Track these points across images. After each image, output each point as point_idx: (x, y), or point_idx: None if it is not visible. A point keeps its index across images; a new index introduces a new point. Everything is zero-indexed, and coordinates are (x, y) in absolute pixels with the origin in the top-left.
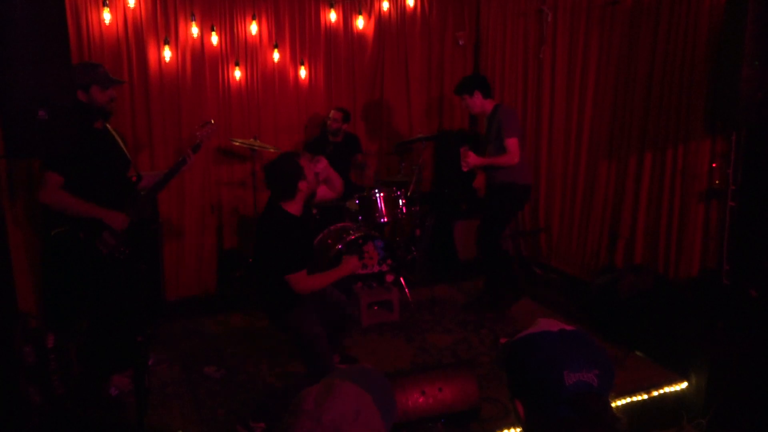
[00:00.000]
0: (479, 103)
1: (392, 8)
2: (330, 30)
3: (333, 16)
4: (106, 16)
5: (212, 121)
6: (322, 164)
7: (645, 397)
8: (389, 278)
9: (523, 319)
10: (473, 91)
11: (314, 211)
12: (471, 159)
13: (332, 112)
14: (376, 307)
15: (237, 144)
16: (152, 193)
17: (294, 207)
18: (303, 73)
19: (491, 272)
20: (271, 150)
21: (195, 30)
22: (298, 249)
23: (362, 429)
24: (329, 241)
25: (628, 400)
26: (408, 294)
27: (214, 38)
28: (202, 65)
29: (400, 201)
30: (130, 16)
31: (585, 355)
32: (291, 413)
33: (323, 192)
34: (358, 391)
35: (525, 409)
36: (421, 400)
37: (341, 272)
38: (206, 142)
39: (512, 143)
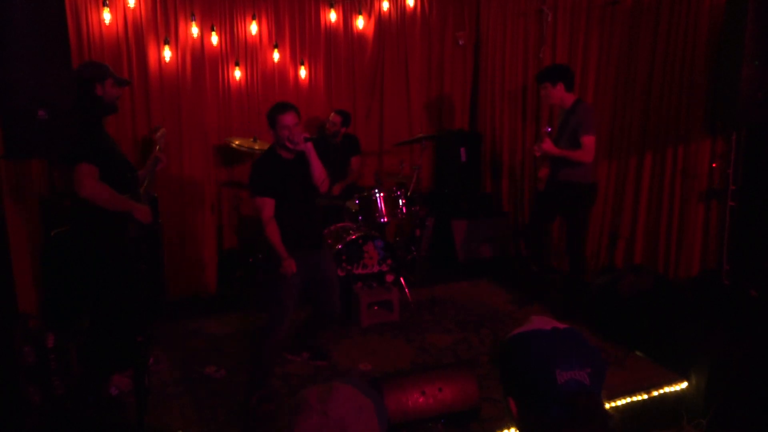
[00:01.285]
0: (560, 95)
1: (392, 8)
2: (330, 30)
3: (333, 16)
4: (106, 16)
5: (161, 127)
6: (302, 145)
7: (645, 397)
8: (389, 278)
9: (525, 319)
10: (556, 82)
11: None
12: (546, 145)
13: (331, 114)
14: (376, 307)
15: (237, 144)
16: (148, 192)
17: (284, 152)
18: (303, 73)
19: (577, 274)
20: None
21: (195, 30)
22: (270, 178)
23: (365, 425)
24: (329, 241)
25: (628, 400)
26: (408, 294)
27: (214, 38)
28: (202, 65)
29: (400, 201)
30: (130, 16)
31: (577, 354)
32: (294, 411)
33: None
34: (357, 392)
35: (517, 407)
36: (421, 400)
37: (282, 260)
38: (163, 145)
39: (590, 140)
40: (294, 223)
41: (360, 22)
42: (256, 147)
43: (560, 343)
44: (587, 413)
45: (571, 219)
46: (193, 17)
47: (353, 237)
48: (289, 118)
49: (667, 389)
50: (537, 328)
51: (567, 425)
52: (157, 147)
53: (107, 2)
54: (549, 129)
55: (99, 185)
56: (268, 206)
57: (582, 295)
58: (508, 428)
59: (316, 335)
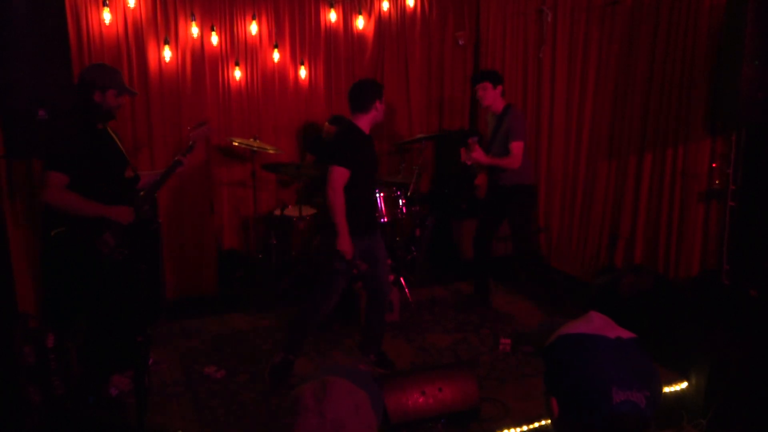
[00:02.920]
0: (495, 97)
1: (392, 8)
2: (330, 30)
3: (333, 16)
4: (106, 16)
5: (206, 122)
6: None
7: None
8: (389, 278)
9: (524, 319)
10: (497, 84)
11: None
12: (476, 154)
13: (325, 125)
14: None
15: (237, 144)
16: (150, 193)
17: (363, 122)
18: (303, 73)
19: (485, 272)
20: (271, 151)
21: (195, 30)
22: (358, 152)
23: (362, 422)
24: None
25: None
26: (408, 294)
27: (214, 38)
28: (202, 65)
29: (400, 201)
30: (130, 16)
31: (638, 374)
32: (290, 411)
33: None
34: (353, 386)
35: (560, 411)
36: (421, 400)
37: (340, 238)
38: (200, 143)
39: (517, 147)
40: (365, 204)
41: (360, 22)
42: (255, 147)
43: (622, 356)
44: None
45: (515, 222)
46: (193, 17)
47: None
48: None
49: (667, 389)
50: (600, 333)
51: None
52: (185, 149)
53: (107, 2)
54: (476, 137)
55: (62, 194)
56: (344, 177)
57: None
58: (509, 428)
59: (379, 335)
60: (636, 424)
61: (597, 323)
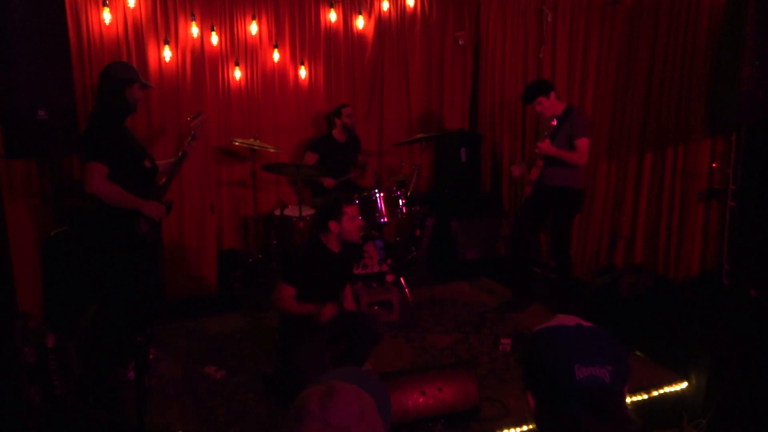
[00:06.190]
0: (554, 104)
1: (392, 8)
2: (330, 30)
3: (333, 16)
4: (106, 16)
5: (201, 112)
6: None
7: (645, 397)
8: (389, 278)
9: (524, 319)
10: (549, 93)
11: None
12: (544, 146)
13: (346, 109)
14: (376, 307)
15: (237, 144)
16: (167, 184)
17: (330, 242)
18: (303, 73)
19: (565, 275)
20: (271, 150)
21: (195, 30)
22: (305, 269)
23: (368, 429)
24: None
25: (628, 400)
26: (408, 294)
27: (214, 38)
28: (202, 65)
29: (400, 201)
30: (130, 16)
31: (599, 350)
32: (294, 417)
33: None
34: (359, 391)
35: (536, 403)
36: (421, 400)
37: (315, 313)
38: (200, 133)
39: (583, 143)
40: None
41: (360, 22)
42: (256, 146)
43: (582, 339)
44: (606, 412)
45: (559, 224)
46: (193, 17)
47: None
48: (356, 209)
49: (667, 389)
50: (560, 324)
51: (585, 423)
52: (189, 139)
53: (107, 2)
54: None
55: (106, 184)
56: (289, 293)
57: (572, 294)
58: (509, 428)
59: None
60: (604, 397)
61: (559, 319)
